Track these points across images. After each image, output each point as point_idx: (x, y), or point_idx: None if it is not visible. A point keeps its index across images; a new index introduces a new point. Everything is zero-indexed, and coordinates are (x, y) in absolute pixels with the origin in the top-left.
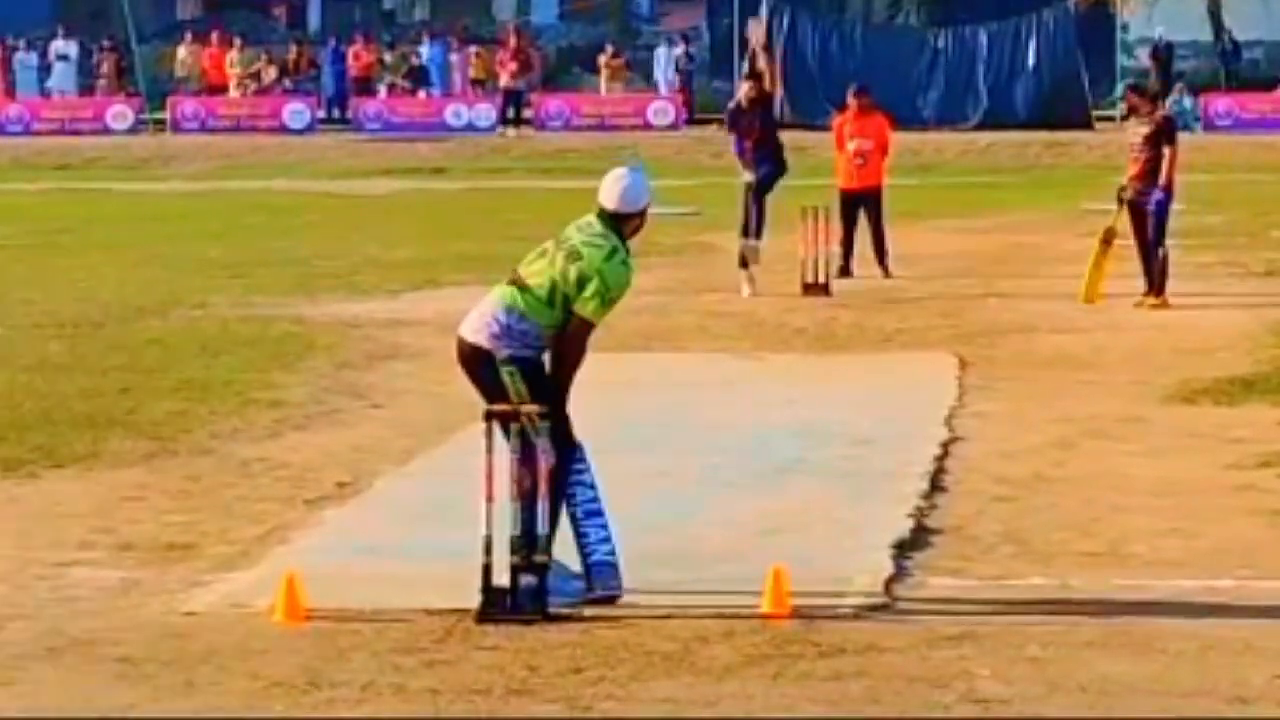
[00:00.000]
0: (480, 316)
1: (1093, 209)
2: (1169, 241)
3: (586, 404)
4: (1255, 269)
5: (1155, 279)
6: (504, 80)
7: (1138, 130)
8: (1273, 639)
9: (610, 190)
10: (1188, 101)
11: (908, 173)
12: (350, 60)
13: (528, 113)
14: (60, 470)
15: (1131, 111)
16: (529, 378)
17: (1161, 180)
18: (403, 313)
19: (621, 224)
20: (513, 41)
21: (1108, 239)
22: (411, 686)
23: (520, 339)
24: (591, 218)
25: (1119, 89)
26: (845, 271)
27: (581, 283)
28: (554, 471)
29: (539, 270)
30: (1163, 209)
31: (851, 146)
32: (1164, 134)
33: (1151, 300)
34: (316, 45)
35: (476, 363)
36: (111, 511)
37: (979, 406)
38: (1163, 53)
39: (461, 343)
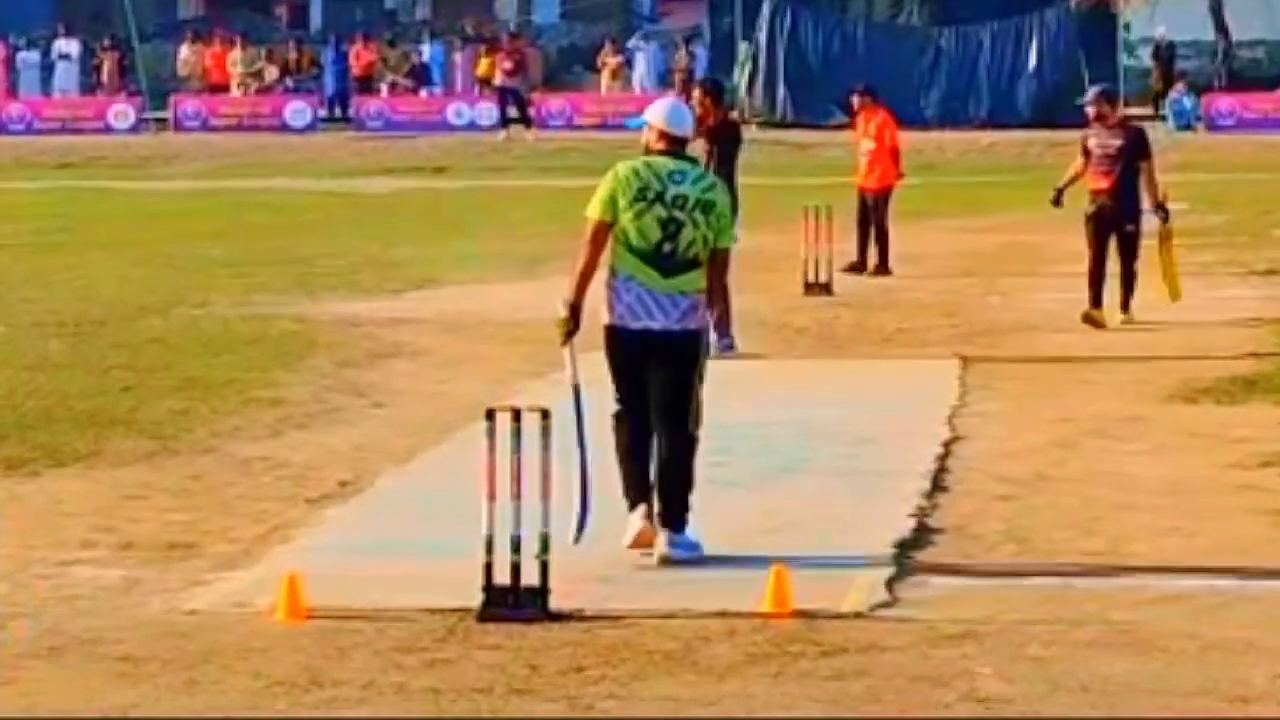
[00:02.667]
0: (664, 303)
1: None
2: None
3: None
4: (1257, 268)
5: (1129, 295)
6: (497, 79)
7: (1109, 142)
8: (1274, 638)
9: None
10: (1189, 101)
11: (910, 172)
12: (352, 59)
13: (531, 111)
14: (62, 469)
15: (1098, 120)
16: None
17: (1147, 202)
18: (404, 311)
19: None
20: (506, 41)
21: (1165, 236)
22: (413, 685)
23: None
24: (665, 160)
25: (1122, 88)
26: (856, 267)
27: (720, 222)
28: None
29: (691, 241)
30: (1138, 226)
31: (862, 146)
32: (1139, 148)
33: (1092, 310)
34: (318, 44)
35: (680, 349)
36: (113, 510)
37: (981, 406)
38: (1165, 52)
39: (668, 334)
